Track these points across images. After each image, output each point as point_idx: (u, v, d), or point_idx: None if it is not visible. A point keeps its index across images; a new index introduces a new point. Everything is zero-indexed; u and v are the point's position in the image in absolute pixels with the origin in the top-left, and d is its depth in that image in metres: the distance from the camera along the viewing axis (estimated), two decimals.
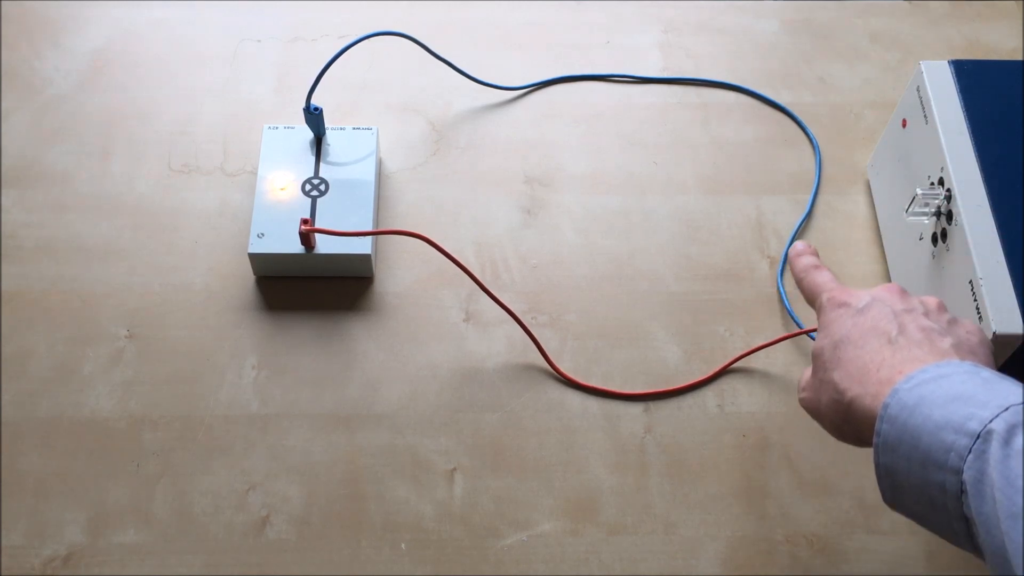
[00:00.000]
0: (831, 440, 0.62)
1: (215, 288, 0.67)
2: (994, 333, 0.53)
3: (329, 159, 0.70)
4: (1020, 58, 0.81)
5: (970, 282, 0.55)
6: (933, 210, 0.60)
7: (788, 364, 0.65)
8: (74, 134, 0.75)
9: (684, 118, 0.77)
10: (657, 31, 0.82)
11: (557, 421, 0.63)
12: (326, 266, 0.67)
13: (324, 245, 0.66)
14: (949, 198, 0.58)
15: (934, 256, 0.60)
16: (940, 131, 0.60)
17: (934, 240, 0.60)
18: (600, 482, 0.61)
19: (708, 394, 0.64)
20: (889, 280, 0.68)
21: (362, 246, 0.66)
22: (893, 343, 0.46)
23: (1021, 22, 0.83)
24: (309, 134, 0.71)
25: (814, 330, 0.64)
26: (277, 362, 0.65)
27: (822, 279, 0.53)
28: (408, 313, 0.67)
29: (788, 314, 0.67)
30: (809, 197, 0.73)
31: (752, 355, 0.65)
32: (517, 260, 0.69)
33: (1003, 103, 0.62)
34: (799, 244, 0.56)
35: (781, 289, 0.68)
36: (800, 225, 0.71)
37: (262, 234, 0.66)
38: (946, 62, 0.64)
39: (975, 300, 0.54)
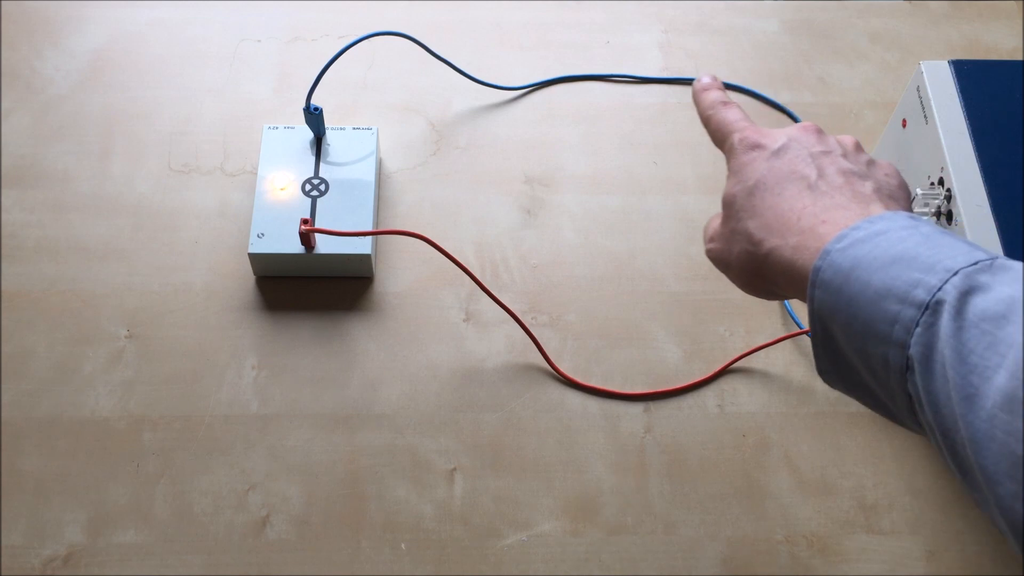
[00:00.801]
0: (831, 440, 0.62)
1: (215, 288, 0.67)
2: None
3: (329, 159, 0.70)
4: (1020, 58, 0.81)
5: None
6: (933, 210, 0.60)
7: (788, 364, 0.65)
8: (74, 134, 0.75)
9: (684, 118, 0.77)
10: (657, 31, 0.82)
11: (557, 421, 0.63)
12: (326, 266, 0.67)
13: (324, 245, 0.66)
14: (949, 198, 0.58)
15: None
16: (940, 131, 0.60)
17: None
18: (600, 482, 0.61)
19: (708, 394, 0.64)
20: None
21: (362, 246, 0.66)
22: (813, 189, 0.43)
23: (1021, 22, 0.83)
24: (309, 134, 0.71)
25: None
26: (277, 362, 0.65)
27: (732, 116, 0.49)
28: (408, 313, 0.67)
29: (788, 314, 0.67)
30: None
31: (752, 355, 0.65)
32: (517, 260, 0.69)
33: (1003, 103, 0.62)
34: (704, 77, 0.52)
35: None
36: None
37: (262, 234, 0.66)
38: (946, 62, 0.64)
39: None
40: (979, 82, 0.62)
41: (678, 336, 0.66)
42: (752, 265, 0.44)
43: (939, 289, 0.35)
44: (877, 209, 0.41)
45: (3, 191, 0.71)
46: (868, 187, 0.43)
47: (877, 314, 0.37)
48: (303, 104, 0.69)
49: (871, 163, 0.46)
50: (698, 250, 0.70)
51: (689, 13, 0.84)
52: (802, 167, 0.44)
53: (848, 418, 0.63)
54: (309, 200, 0.68)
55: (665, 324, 0.67)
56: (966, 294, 0.35)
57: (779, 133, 0.46)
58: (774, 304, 0.68)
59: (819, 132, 0.46)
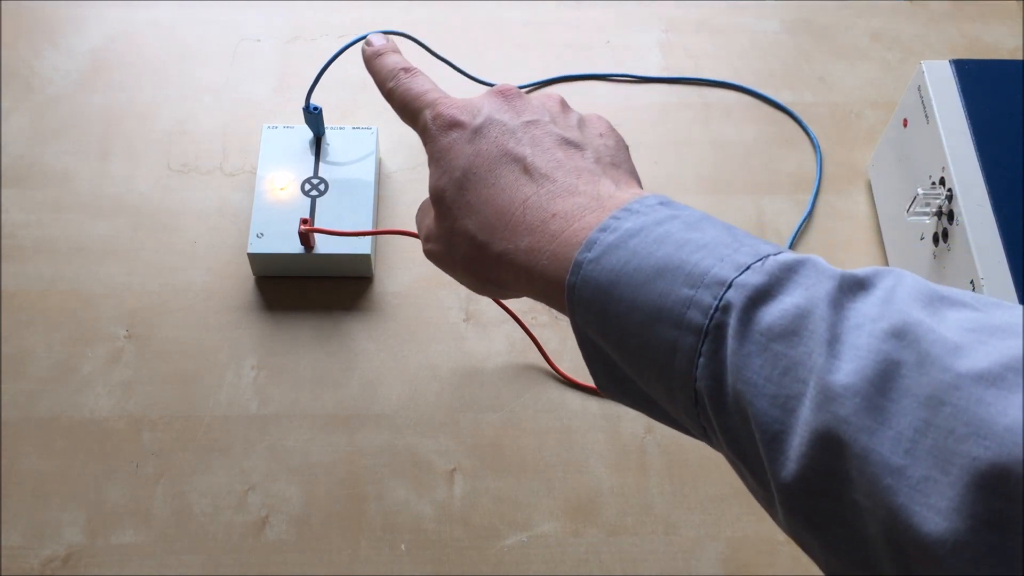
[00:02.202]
0: None
1: (214, 288, 0.67)
2: None
3: (329, 159, 0.70)
4: (1021, 58, 0.81)
5: (971, 282, 0.55)
6: (934, 210, 0.60)
7: None
8: (73, 134, 0.74)
9: (684, 118, 0.77)
10: (657, 30, 0.82)
11: (557, 421, 0.63)
12: (326, 266, 0.67)
13: (324, 245, 0.65)
14: (950, 198, 0.58)
15: (935, 256, 0.60)
16: (941, 131, 0.60)
17: (935, 240, 0.60)
18: (600, 482, 0.61)
19: None
20: None
21: (362, 246, 0.66)
22: (531, 174, 0.38)
23: (1022, 22, 0.83)
24: (309, 134, 0.71)
25: None
26: (277, 362, 0.64)
27: (419, 86, 0.43)
28: (408, 313, 0.67)
29: None
30: (810, 197, 0.73)
31: None
32: None
33: (1004, 103, 0.61)
34: (375, 37, 0.46)
35: None
36: (801, 225, 0.71)
37: (261, 234, 0.66)
38: (947, 62, 0.63)
39: None
40: (980, 82, 0.62)
41: None
42: (481, 270, 0.39)
43: (715, 309, 0.31)
44: (607, 187, 0.37)
45: (2, 191, 0.71)
46: (589, 158, 0.39)
47: (652, 341, 0.32)
48: (303, 104, 0.68)
49: (582, 123, 0.42)
50: None
51: (690, 12, 0.83)
52: (512, 145, 0.39)
53: None
54: (309, 200, 0.68)
55: None
56: (747, 309, 0.30)
57: (476, 104, 0.41)
58: None
59: (518, 96, 0.41)
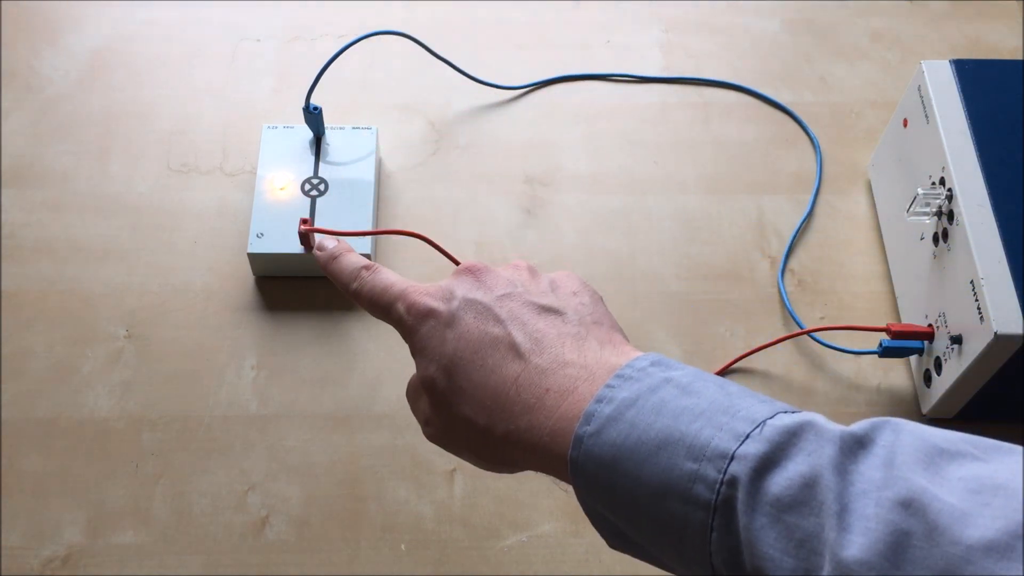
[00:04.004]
0: None
1: (214, 288, 0.67)
2: (995, 333, 0.53)
3: (329, 159, 0.70)
4: (1021, 57, 0.81)
5: (971, 282, 0.55)
6: (934, 210, 0.60)
7: (789, 364, 0.65)
8: (73, 134, 0.74)
9: (684, 117, 0.77)
10: (657, 30, 0.82)
11: None
12: None
13: None
14: (950, 198, 0.58)
15: (935, 256, 0.60)
16: (941, 131, 0.60)
17: (935, 240, 0.60)
18: None
19: None
20: (890, 280, 0.68)
21: (362, 246, 0.66)
22: (518, 350, 0.38)
23: (1021, 22, 0.83)
24: (308, 134, 0.71)
25: (815, 330, 0.64)
26: (276, 362, 0.64)
27: (384, 281, 0.43)
28: None
29: (789, 314, 0.67)
30: (810, 197, 0.73)
31: (753, 355, 0.65)
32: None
33: (1004, 103, 0.61)
34: (325, 241, 0.46)
35: (782, 289, 0.68)
36: (801, 225, 0.71)
37: (261, 234, 0.66)
38: (947, 61, 0.63)
39: (976, 300, 0.54)
40: (980, 82, 0.62)
41: (678, 336, 0.66)
42: (487, 451, 0.39)
43: (721, 483, 0.31)
44: (594, 351, 0.37)
45: (2, 191, 0.71)
46: (571, 321, 0.39)
47: (662, 516, 0.32)
48: (302, 104, 0.68)
49: (554, 285, 0.42)
50: (698, 250, 0.70)
51: (690, 12, 0.83)
52: (491, 327, 0.39)
53: (849, 418, 0.63)
54: (308, 200, 0.68)
55: (665, 324, 0.67)
56: (753, 481, 0.31)
57: (447, 288, 0.41)
58: (774, 304, 0.68)
59: (486, 271, 0.41)
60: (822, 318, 0.67)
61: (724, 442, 0.32)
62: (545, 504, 0.60)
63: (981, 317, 0.54)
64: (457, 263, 0.62)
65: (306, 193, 0.68)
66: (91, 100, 0.76)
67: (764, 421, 0.32)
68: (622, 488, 0.33)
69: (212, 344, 0.65)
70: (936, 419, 0.63)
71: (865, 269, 0.69)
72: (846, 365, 0.65)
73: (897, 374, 0.65)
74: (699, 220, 0.72)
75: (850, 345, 0.65)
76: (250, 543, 0.58)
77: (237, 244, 0.69)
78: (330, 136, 0.71)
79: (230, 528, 0.58)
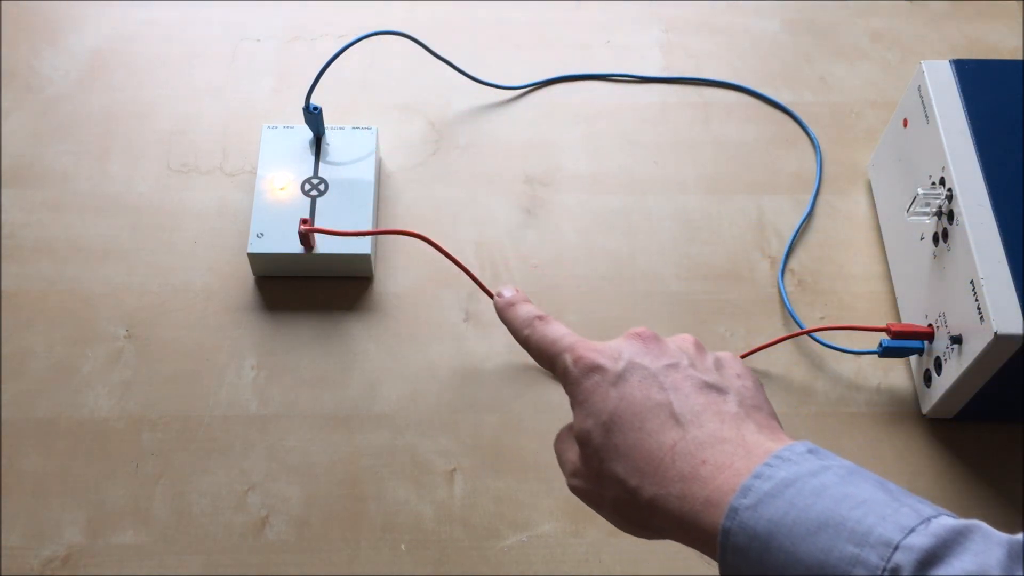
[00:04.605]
0: (832, 440, 0.62)
1: (214, 288, 0.67)
2: (995, 333, 0.53)
3: (329, 159, 0.70)
4: (1021, 57, 0.81)
5: (971, 282, 0.55)
6: (934, 210, 0.60)
7: (789, 364, 0.65)
8: (73, 134, 0.74)
9: (684, 117, 0.77)
10: (657, 30, 0.82)
11: (557, 421, 0.62)
12: (326, 266, 0.67)
13: (323, 245, 0.65)
14: (950, 198, 0.58)
15: (935, 256, 0.60)
16: (941, 131, 0.60)
17: (935, 240, 0.60)
18: None
19: None
20: (890, 280, 0.68)
21: (362, 246, 0.66)
22: (678, 419, 0.38)
23: (1021, 22, 0.83)
24: (308, 134, 0.71)
25: (815, 330, 0.64)
26: (276, 362, 0.64)
27: (555, 333, 0.44)
28: (408, 313, 0.67)
29: (789, 314, 0.67)
30: (810, 197, 0.73)
31: (753, 355, 0.65)
32: (517, 260, 0.69)
33: (1004, 103, 0.61)
34: (505, 290, 0.47)
35: (782, 289, 0.68)
36: (801, 225, 0.71)
37: (261, 234, 0.66)
38: (947, 61, 0.63)
39: (976, 300, 0.54)
40: (980, 81, 0.62)
41: None
42: (632, 513, 0.39)
43: (884, 571, 0.31)
44: (752, 433, 0.38)
45: (2, 191, 0.71)
46: (732, 403, 0.40)
47: None
48: (303, 104, 0.68)
49: (718, 363, 0.42)
50: (698, 250, 0.70)
51: (690, 12, 0.83)
52: (654, 392, 0.39)
53: (849, 418, 0.63)
54: (308, 200, 0.68)
55: (665, 324, 0.67)
56: (918, 572, 0.31)
57: (616, 348, 0.42)
58: (774, 304, 0.68)
59: (656, 339, 0.42)
60: (822, 318, 0.67)
61: (888, 531, 0.32)
62: (545, 504, 0.60)
63: (981, 317, 0.54)
64: (458, 263, 0.63)
65: (306, 193, 0.68)
66: (91, 100, 0.76)
67: (930, 518, 0.33)
68: (775, 564, 0.33)
69: (212, 344, 0.65)
70: (936, 419, 0.63)
71: (865, 269, 0.69)
72: (846, 365, 0.65)
73: (897, 374, 0.65)
74: (699, 220, 0.72)
75: (850, 345, 0.65)
76: (250, 543, 0.58)
77: (237, 244, 0.69)
78: (330, 136, 0.71)
79: (230, 528, 0.58)
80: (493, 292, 0.49)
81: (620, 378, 0.40)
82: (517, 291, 0.47)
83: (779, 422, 0.41)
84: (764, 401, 0.42)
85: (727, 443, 0.38)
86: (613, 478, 0.39)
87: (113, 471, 0.60)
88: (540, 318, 0.45)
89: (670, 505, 0.37)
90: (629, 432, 0.39)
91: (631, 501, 0.39)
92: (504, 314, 0.47)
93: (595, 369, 0.41)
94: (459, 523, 0.59)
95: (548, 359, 0.44)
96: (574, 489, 0.43)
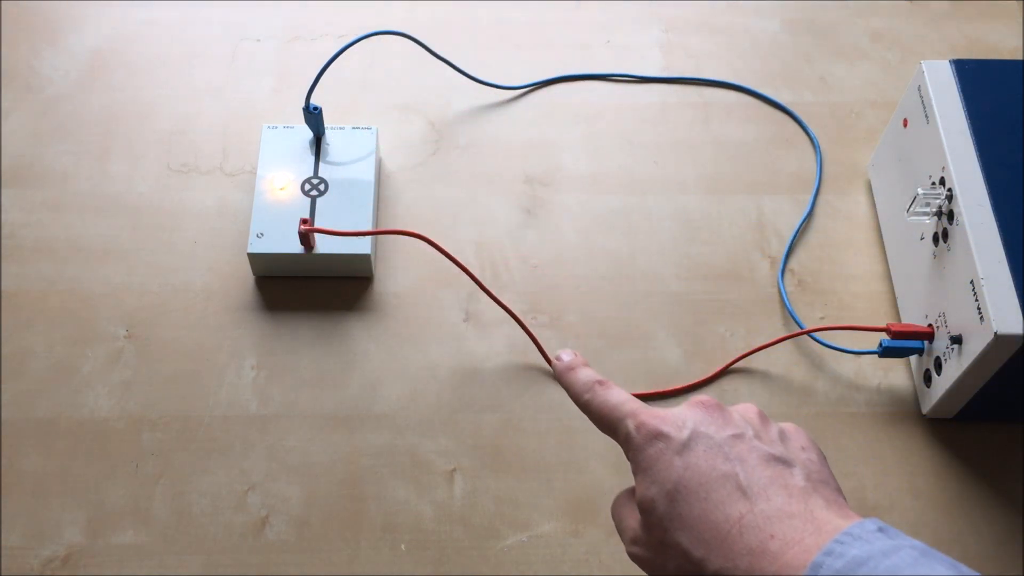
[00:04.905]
0: (832, 440, 0.62)
1: (214, 288, 0.67)
2: (995, 333, 0.53)
3: (329, 159, 0.70)
4: (1021, 57, 0.81)
5: (971, 282, 0.55)
6: (934, 210, 0.60)
7: (789, 364, 0.65)
8: (73, 134, 0.74)
9: (684, 117, 0.77)
10: (657, 30, 0.82)
11: (557, 421, 0.63)
12: (326, 266, 0.67)
13: (323, 245, 0.65)
14: (950, 198, 0.58)
15: (935, 256, 0.60)
16: (941, 131, 0.60)
17: (935, 240, 0.60)
18: (600, 483, 0.61)
19: (709, 394, 0.64)
20: (890, 280, 0.68)
21: (362, 246, 0.66)
22: (744, 492, 0.38)
23: (1021, 22, 0.83)
24: (308, 134, 0.71)
25: (815, 330, 0.64)
26: (276, 362, 0.64)
27: (616, 399, 0.44)
28: (408, 313, 0.67)
29: (789, 314, 0.67)
30: (810, 197, 0.73)
31: (753, 355, 0.65)
32: (517, 260, 0.69)
33: (1004, 103, 0.61)
34: (564, 353, 0.48)
35: (782, 289, 0.68)
36: (801, 225, 0.71)
37: (261, 234, 0.66)
38: (947, 62, 0.63)
39: (976, 300, 0.54)
40: (980, 82, 0.62)
41: (678, 336, 0.66)
42: None
43: None
44: (820, 508, 0.38)
45: (2, 191, 0.71)
46: (799, 477, 0.39)
47: None
48: (303, 104, 0.68)
49: (783, 435, 0.42)
50: (698, 250, 0.70)
51: (690, 12, 0.83)
52: (720, 463, 0.39)
53: (849, 418, 0.63)
54: (308, 200, 0.68)
55: (665, 324, 0.67)
56: None
57: (679, 416, 0.42)
58: (775, 304, 0.68)
59: (720, 409, 0.42)
60: (822, 318, 0.67)
61: None
62: (545, 504, 0.60)
63: (981, 317, 0.54)
64: (458, 263, 0.63)
65: (306, 193, 0.68)
66: (91, 100, 0.76)
67: None
68: None
69: (212, 344, 0.65)
70: (936, 419, 0.63)
71: (865, 269, 0.69)
72: (846, 365, 0.65)
73: (897, 374, 0.65)
74: (699, 220, 0.72)
75: (850, 345, 0.65)
76: (250, 543, 0.58)
77: (237, 244, 0.69)
78: (330, 136, 0.71)
79: (230, 528, 0.58)
80: (551, 357, 0.49)
81: (685, 447, 0.40)
82: (576, 355, 0.47)
83: (844, 497, 0.41)
84: (830, 475, 0.41)
85: (795, 518, 0.37)
86: (677, 548, 0.39)
87: (113, 471, 0.60)
88: (600, 383, 0.45)
89: None
90: (695, 502, 0.38)
91: (695, 573, 0.38)
92: (563, 378, 0.47)
93: (659, 436, 0.41)
94: (459, 523, 0.59)
95: (609, 424, 0.44)
96: (633, 557, 0.42)
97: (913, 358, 0.64)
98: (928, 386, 0.61)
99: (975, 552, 0.59)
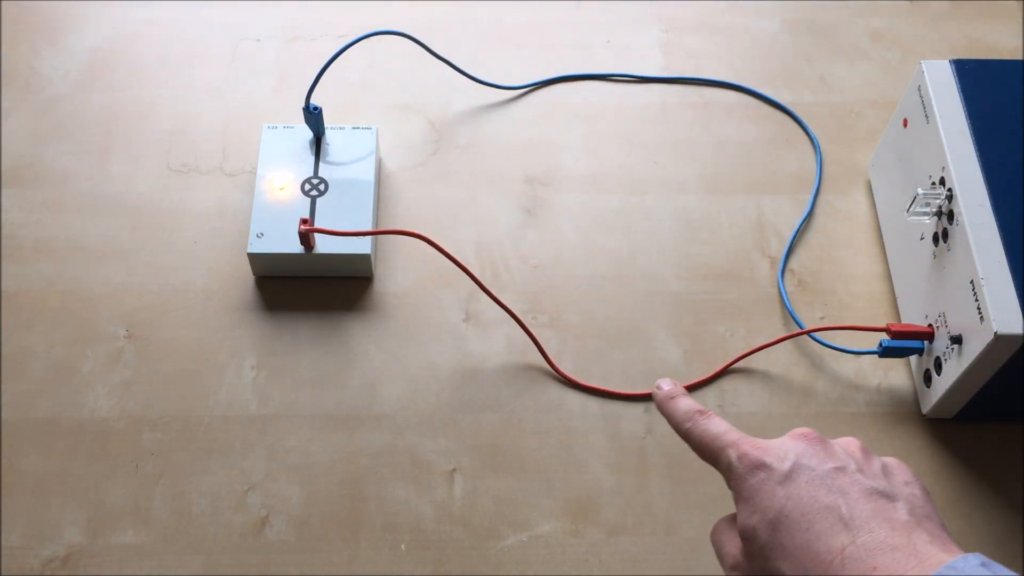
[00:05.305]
0: None
1: (214, 288, 0.67)
2: (995, 333, 0.53)
3: (329, 159, 0.70)
4: (1021, 57, 0.81)
5: (971, 282, 0.55)
6: (934, 210, 0.60)
7: (789, 364, 0.65)
8: (73, 134, 0.74)
9: (684, 117, 0.77)
10: (657, 30, 0.82)
11: (557, 421, 0.63)
12: (326, 266, 0.67)
13: (323, 245, 0.65)
14: (950, 198, 0.58)
15: (935, 256, 0.60)
16: (941, 131, 0.60)
17: (935, 240, 0.60)
18: (600, 483, 0.61)
19: (709, 394, 0.64)
20: (890, 280, 0.68)
21: (362, 246, 0.66)
22: (847, 524, 0.38)
23: (1021, 22, 0.83)
24: (308, 134, 0.71)
25: (815, 330, 0.64)
26: (276, 362, 0.64)
27: (717, 428, 0.44)
28: (408, 313, 0.67)
29: (789, 314, 0.67)
30: (810, 197, 0.73)
31: (753, 355, 0.65)
32: (517, 260, 0.69)
33: (1004, 103, 0.61)
34: (663, 383, 0.48)
35: (782, 289, 0.68)
36: (801, 225, 0.71)
37: (261, 234, 0.66)
38: (947, 61, 0.63)
39: (976, 300, 0.54)
40: (980, 82, 0.62)
41: (678, 336, 0.66)
42: None
43: None
44: (923, 542, 0.38)
45: (2, 191, 0.71)
46: (902, 511, 0.39)
47: None
48: (303, 104, 0.68)
49: (885, 470, 0.42)
50: (698, 250, 0.70)
51: (689, 12, 0.83)
52: (823, 495, 0.40)
53: (849, 418, 0.63)
54: (308, 200, 0.68)
55: (665, 324, 0.67)
56: None
57: (782, 447, 0.42)
58: (775, 304, 0.68)
59: (821, 441, 0.43)
60: (822, 318, 0.67)
61: None
62: (545, 504, 0.60)
63: (981, 317, 0.54)
64: (458, 263, 0.63)
65: (306, 193, 0.68)
66: (91, 100, 0.76)
67: None
68: None
69: (212, 344, 0.65)
70: (936, 419, 0.63)
71: (865, 269, 0.69)
72: (846, 365, 0.65)
73: (897, 374, 0.65)
74: (699, 220, 0.72)
75: (850, 345, 0.65)
76: (250, 543, 0.58)
77: (237, 244, 0.69)
78: (330, 136, 0.71)
79: (230, 528, 0.58)
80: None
81: (787, 478, 0.40)
82: (675, 384, 0.48)
83: (948, 532, 0.41)
84: (933, 510, 0.41)
85: (898, 551, 0.37)
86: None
87: (113, 471, 0.60)
88: (701, 412, 0.45)
89: None
90: (796, 532, 0.39)
91: None
92: (664, 407, 0.47)
93: (761, 467, 0.41)
94: (459, 523, 0.59)
95: (710, 453, 0.44)
96: None
97: (913, 358, 0.64)
98: (928, 386, 0.61)
99: (975, 551, 0.58)
